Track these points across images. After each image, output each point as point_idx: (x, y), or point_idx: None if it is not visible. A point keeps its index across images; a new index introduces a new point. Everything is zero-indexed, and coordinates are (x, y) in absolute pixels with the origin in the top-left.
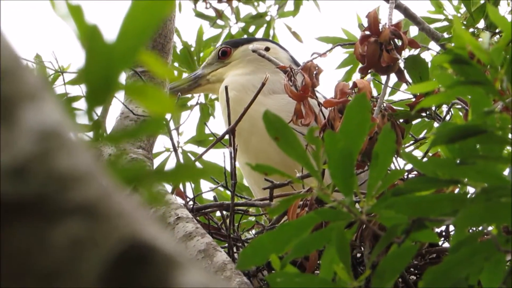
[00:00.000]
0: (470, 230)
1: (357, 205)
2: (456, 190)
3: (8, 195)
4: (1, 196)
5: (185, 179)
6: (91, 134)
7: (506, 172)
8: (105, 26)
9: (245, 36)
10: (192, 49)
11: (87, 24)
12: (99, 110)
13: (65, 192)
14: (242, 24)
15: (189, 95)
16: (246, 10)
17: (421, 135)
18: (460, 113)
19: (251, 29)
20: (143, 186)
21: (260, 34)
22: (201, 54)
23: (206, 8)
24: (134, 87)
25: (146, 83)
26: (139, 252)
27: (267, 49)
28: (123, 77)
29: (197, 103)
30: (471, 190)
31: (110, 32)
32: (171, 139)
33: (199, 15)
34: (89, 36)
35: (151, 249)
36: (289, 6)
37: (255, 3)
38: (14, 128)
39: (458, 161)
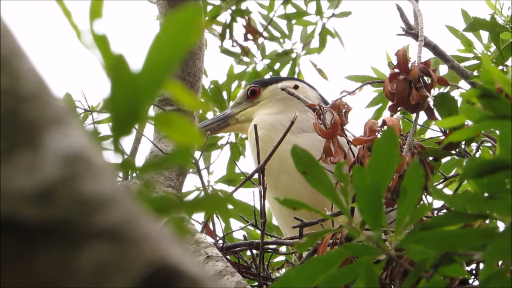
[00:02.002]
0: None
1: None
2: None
3: (33, 219)
4: (27, 221)
5: (213, 210)
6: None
7: None
8: (130, 53)
9: (271, 73)
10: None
11: (113, 53)
12: (127, 148)
13: (91, 216)
14: (267, 61)
15: (220, 135)
16: (271, 47)
17: (451, 173)
18: (491, 152)
19: (277, 66)
20: (170, 216)
21: (285, 71)
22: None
23: (233, 46)
24: (161, 118)
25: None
26: (166, 276)
27: (295, 87)
28: (152, 113)
29: (227, 143)
30: (500, 224)
31: (134, 54)
32: (201, 177)
33: (225, 51)
34: (115, 65)
35: (178, 272)
36: (315, 43)
37: (281, 40)
38: (39, 152)
39: (486, 195)
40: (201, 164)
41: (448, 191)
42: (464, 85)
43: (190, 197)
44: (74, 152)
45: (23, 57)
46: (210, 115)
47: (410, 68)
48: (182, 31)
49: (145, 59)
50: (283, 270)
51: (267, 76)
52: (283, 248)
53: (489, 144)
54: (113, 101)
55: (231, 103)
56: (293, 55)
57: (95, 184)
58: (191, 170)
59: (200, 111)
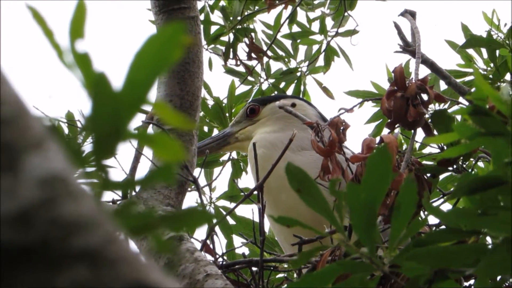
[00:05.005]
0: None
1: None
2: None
3: (12, 241)
4: (7, 243)
5: (197, 224)
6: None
7: None
8: (115, 70)
9: (276, 92)
10: (224, 105)
11: (95, 72)
12: (126, 167)
13: (70, 238)
14: (272, 80)
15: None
16: (277, 66)
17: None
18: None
19: (282, 85)
20: (152, 233)
21: (290, 90)
22: (233, 110)
23: (237, 65)
24: (145, 136)
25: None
26: None
27: (293, 105)
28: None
29: (229, 159)
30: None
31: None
32: (200, 194)
33: (230, 71)
34: (96, 84)
35: None
36: (320, 62)
37: (285, 60)
38: (18, 175)
39: (479, 212)
40: (203, 181)
41: (449, 207)
42: (465, 100)
43: None
44: (53, 175)
45: (2, 80)
46: (215, 133)
47: (407, 85)
48: (163, 49)
49: (126, 76)
50: (283, 287)
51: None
52: (285, 265)
53: (488, 160)
54: (94, 119)
55: (231, 122)
56: (298, 74)
57: (74, 207)
58: (192, 186)
59: (206, 129)
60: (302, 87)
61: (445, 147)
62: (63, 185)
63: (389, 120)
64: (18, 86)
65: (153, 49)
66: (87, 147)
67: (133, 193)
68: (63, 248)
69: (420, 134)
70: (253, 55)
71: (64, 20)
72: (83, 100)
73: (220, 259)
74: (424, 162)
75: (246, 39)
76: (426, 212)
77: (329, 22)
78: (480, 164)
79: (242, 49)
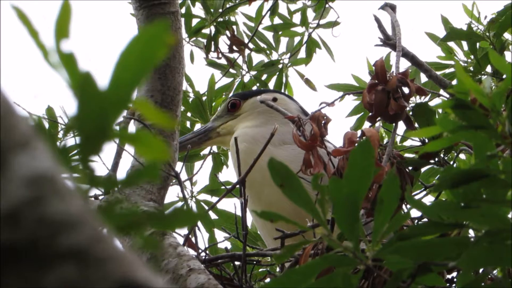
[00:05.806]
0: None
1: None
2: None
3: (2, 241)
4: None
5: (182, 224)
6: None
7: (510, 215)
8: (98, 67)
9: (258, 85)
10: (204, 98)
11: (80, 71)
12: (109, 162)
13: (57, 236)
14: (254, 73)
15: None
16: (259, 58)
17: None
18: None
19: (264, 77)
20: (136, 231)
21: (272, 82)
22: (213, 104)
23: (218, 58)
24: (128, 134)
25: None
26: None
27: (274, 99)
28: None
29: (210, 153)
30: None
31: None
32: (182, 189)
33: (211, 64)
34: (82, 83)
35: None
36: (302, 54)
37: (267, 52)
38: (6, 175)
39: (462, 205)
40: (184, 175)
41: (431, 199)
42: (446, 93)
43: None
44: (40, 174)
45: None
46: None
47: (388, 79)
48: (148, 48)
49: (111, 76)
50: (267, 281)
51: (254, 88)
52: (268, 259)
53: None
54: (80, 119)
55: (212, 117)
56: (280, 66)
57: (61, 205)
58: (174, 181)
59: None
60: (284, 79)
61: (426, 140)
62: (50, 184)
63: (370, 114)
64: (4, 85)
65: (137, 49)
66: (68, 142)
67: (115, 189)
68: (51, 247)
69: (401, 127)
70: (234, 47)
71: (49, 20)
72: (68, 99)
73: (203, 254)
74: (406, 155)
75: (227, 32)
76: (408, 206)
77: (310, 14)
78: (462, 156)
79: (223, 42)
